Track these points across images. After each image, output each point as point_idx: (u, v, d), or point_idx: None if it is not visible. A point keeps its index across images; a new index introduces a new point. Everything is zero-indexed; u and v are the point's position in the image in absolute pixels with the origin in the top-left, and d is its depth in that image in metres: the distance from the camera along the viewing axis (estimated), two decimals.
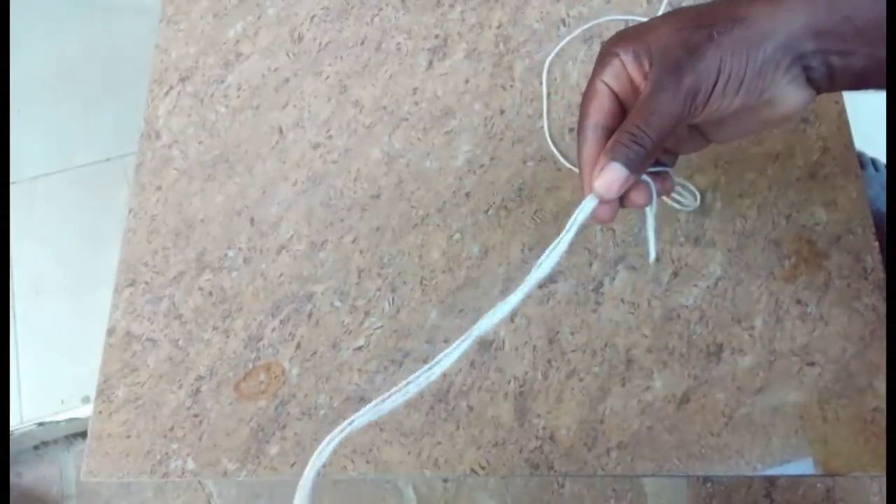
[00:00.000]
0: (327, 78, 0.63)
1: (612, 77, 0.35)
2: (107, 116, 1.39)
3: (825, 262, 0.53)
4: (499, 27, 0.63)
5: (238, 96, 0.63)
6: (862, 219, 0.54)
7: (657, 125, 0.32)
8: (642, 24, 0.35)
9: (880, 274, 0.52)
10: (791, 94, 0.33)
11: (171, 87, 0.64)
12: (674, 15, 0.35)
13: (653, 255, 0.46)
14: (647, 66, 0.33)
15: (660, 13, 0.61)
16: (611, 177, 0.33)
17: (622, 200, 0.35)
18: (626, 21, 0.62)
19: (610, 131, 0.34)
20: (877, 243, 0.53)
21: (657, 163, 0.37)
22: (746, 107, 0.33)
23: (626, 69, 0.34)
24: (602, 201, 0.34)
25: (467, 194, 0.58)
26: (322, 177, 0.60)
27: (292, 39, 0.65)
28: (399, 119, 0.61)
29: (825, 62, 0.33)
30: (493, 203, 0.57)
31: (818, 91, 0.34)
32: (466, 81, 0.62)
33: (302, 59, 0.64)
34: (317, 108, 0.62)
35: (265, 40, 0.65)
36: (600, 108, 0.35)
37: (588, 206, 0.35)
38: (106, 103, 1.40)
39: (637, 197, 0.35)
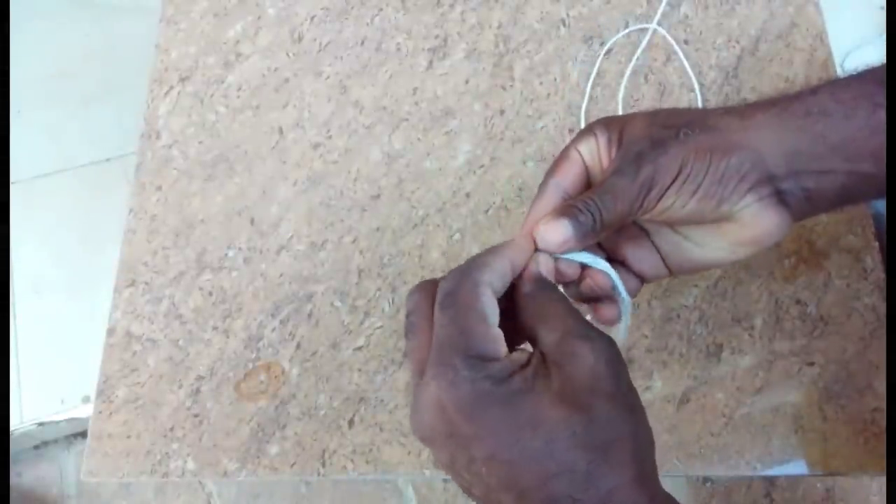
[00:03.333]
0: (327, 78, 0.63)
1: (585, 149, 0.35)
2: (107, 116, 1.39)
3: (825, 262, 0.53)
4: (499, 27, 0.63)
5: (238, 96, 0.63)
6: (862, 219, 0.54)
7: (609, 205, 0.32)
8: (623, 115, 0.36)
9: (880, 274, 0.52)
10: (760, 215, 0.32)
11: (171, 87, 0.64)
12: (650, 113, 0.36)
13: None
14: (614, 151, 0.34)
15: (659, 13, 0.61)
16: (556, 228, 0.32)
17: (581, 288, 0.35)
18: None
19: (568, 195, 0.35)
20: (877, 243, 0.53)
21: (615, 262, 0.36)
22: (702, 214, 0.33)
23: (598, 147, 0.35)
24: (537, 248, 0.33)
25: (467, 194, 0.58)
26: (322, 177, 0.60)
27: (292, 39, 0.65)
28: (399, 119, 0.61)
29: (800, 185, 0.32)
30: (493, 203, 0.57)
31: (796, 216, 0.33)
32: (466, 81, 0.62)
33: (302, 59, 0.64)
34: (317, 108, 0.62)
35: (265, 40, 0.65)
36: (567, 171, 0.35)
37: (520, 248, 0.33)
38: (106, 103, 1.40)
39: (592, 283, 0.35)
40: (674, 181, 0.32)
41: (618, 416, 0.27)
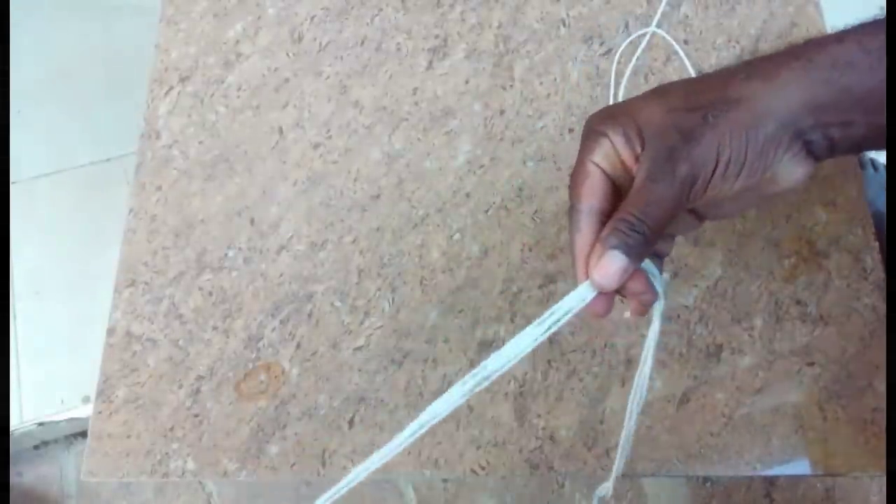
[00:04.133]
0: (327, 78, 0.63)
1: (602, 158, 0.33)
2: (107, 116, 1.38)
3: (825, 262, 0.53)
4: (499, 27, 0.63)
5: (238, 96, 0.63)
6: (862, 219, 0.54)
7: (655, 214, 0.31)
8: (628, 102, 0.34)
9: (880, 274, 0.52)
10: (792, 169, 0.32)
11: (171, 87, 0.64)
12: (662, 92, 0.33)
13: (647, 374, 0.37)
14: (638, 149, 0.32)
15: (658, 14, 0.61)
16: (610, 265, 0.31)
17: (620, 290, 0.33)
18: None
19: (604, 215, 0.32)
20: (877, 243, 0.53)
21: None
22: (748, 188, 0.32)
23: (616, 150, 0.33)
24: (600, 292, 0.32)
25: (467, 194, 0.58)
26: (322, 177, 0.60)
27: (292, 39, 0.65)
28: (399, 119, 0.61)
29: (825, 135, 0.32)
30: (493, 203, 0.57)
31: (817, 160, 0.33)
32: (466, 81, 0.62)
33: (302, 59, 0.64)
34: (317, 108, 0.62)
35: (265, 40, 0.65)
36: (593, 191, 0.33)
37: (584, 294, 0.32)
38: (106, 103, 1.40)
39: (636, 285, 0.33)
40: (715, 169, 0.31)
41: None
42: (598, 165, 0.33)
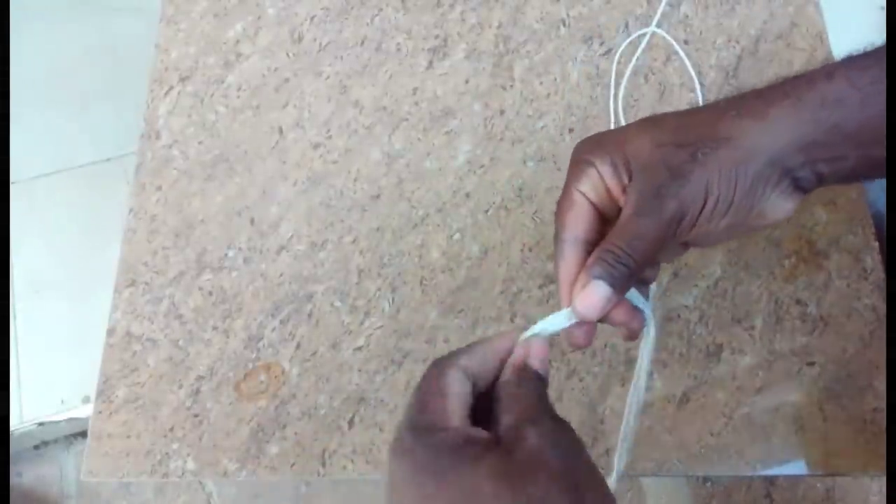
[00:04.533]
0: (327, 78, 0.63)
1: (589, 187, 0.33)
2: (107, 116, 1.38)
3: (825, 262, 0.53)
4: (499, 27, 0.63)
5: (238, 96, 0.63)
6: (862, 219, 0.54)
7: (641, 248, 0.31)
8: (617, 132, 0.33)
9: (880, 274, 0.52)
10: (780, 204, 0.32)
11: (171, 87, 0.64)
12: (652, 124, 0.32)
13: (636, 403, 0.36)
14: (625, 180, 0.32)
15: (658, 14, 0.61)
16: (594, 295, 0.31)
17: (604, 319, 0.33)
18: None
19: (590, 245, 0.32)
20: (877, 243, 0.53)
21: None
22: (735, 225, 0.32)
23: (603, 180, 0.32)
24: (582, 321, 0.32)
25: (467, 194, 0.58)
26: (322, 177, 0.60)
27: (292, 39, 0.65)
28: (399, 119, 0.61)
29: (813, 170, 0.32)
30: (493, 203, 0.57)
31: (805, 193, 0.33)
32: (466, 81, 0.62)
33: (302, 59, 0.64)
34: (317, 108, 0.62)
35: (265, 40, 0.65)
36: (578, 220, 0.33)
37: (560, 322, 0.32)
38: (106, 103, 1.40)
39: (620, 315, 0.33)
40: (703, 208, 0.31)
41: (555, 495, 0.26)
42: (584, 195, 0.33)
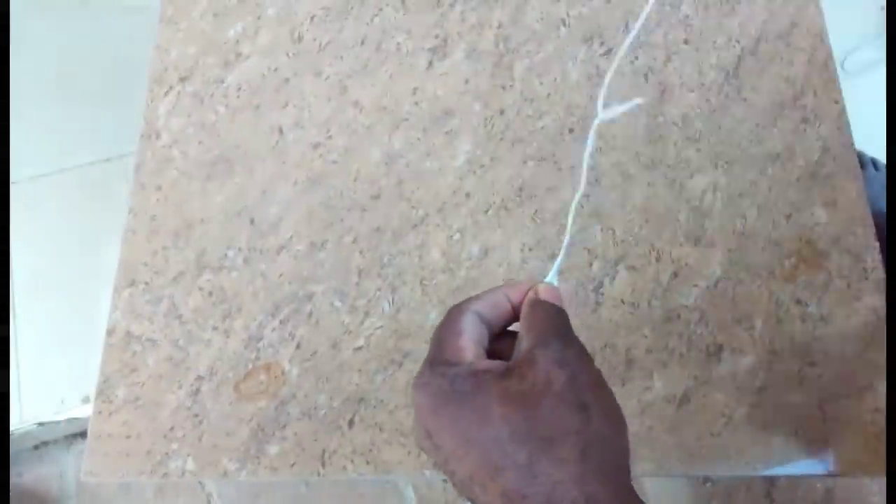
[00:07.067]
0: (327, 78, 0.63)
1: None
2: (107, 116, 1.38)
3: (825, 262, 0.53)
4: (499, 27, 0.63)
5: (238, 96, 0.63)
6: (862, 219, 0.54)
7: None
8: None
9: (880, 274, 0.52)
10: None
11: (171, 87, 0.64)
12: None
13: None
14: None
15: (659, 14, 0.61)
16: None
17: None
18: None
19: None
20: (877, 243, 0.53)
21: None
22: None
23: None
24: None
25: (467, 194, 0.58)
26: (322, 177, 0.59)
27: (292, 39, 0.65)
28: (399, 119, 0.61)
29: None
30: (493, 203, 0.57)
31: None
32: (466, 81, 0.61)
33: (302, 59, 0.64)
34: (317, 108, 0.62)
35: (265, 40, 0.65)
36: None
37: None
38: (106, 103, 1.39)
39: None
40: None
41: (562, 413, 0.28)
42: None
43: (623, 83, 0.60)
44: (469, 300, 0.33)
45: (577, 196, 0.37)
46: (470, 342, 0.32)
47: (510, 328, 0.34)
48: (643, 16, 0.52)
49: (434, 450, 0.30)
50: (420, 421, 0.30)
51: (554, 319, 0.32)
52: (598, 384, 0.30)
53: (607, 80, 0.41)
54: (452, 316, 0.33)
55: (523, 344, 0.31)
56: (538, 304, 0.33)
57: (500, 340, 0.34)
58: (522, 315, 0.33)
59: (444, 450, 0.29)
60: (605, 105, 0.35)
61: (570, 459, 0.27)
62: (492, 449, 0.28)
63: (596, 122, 0.36)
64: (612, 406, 0.30)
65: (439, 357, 0.31)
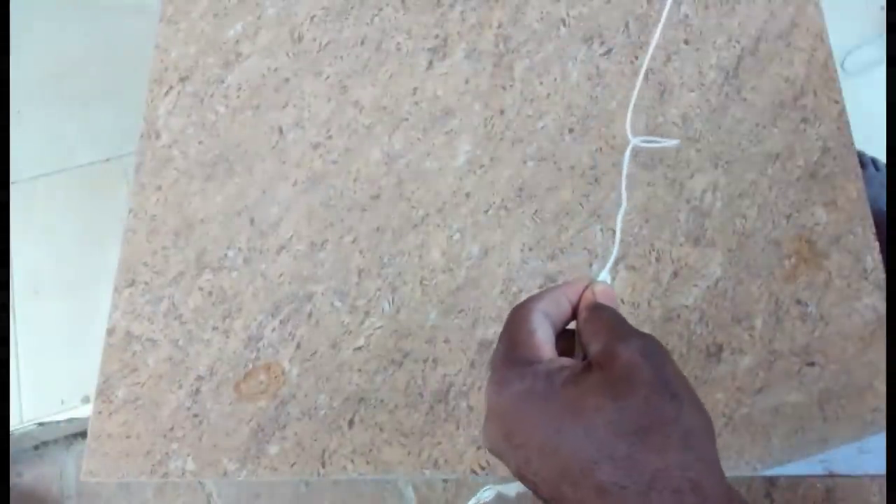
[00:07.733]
0: (327, 78, 0.63)
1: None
2: (107, 116, 1.39)
3: (825, 262, 0.53)
4: (499, 27, 0.63)
5: (238, 96, 0.63)
6: (862, 219, 0.54)
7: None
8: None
9: (880, 274, 0.52)
10: None
11: (171, 87, 0.64)
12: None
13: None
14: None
15: (659, 13, 0.61)
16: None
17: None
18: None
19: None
20: (877, 243, 0.53)
21: None
22: None
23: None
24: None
25: (467, 194, 0.58)
26: (322, 177, 0.59)
27: (292, 39, 0.65)
28: (399, 119, 0.61)
29: None
30: (493, 203, 0.57)
31: None
32: (466, 81, 0.61)
33: (302, 59, 0.64)
34: (317, 108, 0.62)
35: (265, 40, 0.65)
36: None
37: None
38: (106, 103, 1.40)
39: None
40: None
41: (656, 403, 0.27)
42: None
43: (623, 83, 0.60)
44: (531, 299, 0.33)
45: (621, 212, 0.36)
46: (544, 340, 0.32)
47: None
48: (664, 17, 0.51)
49: (514, 451, 0.29)
50: (499, 422, 0.30)
51: (619, 317, 0.32)
52: (682, 374, 0.30)
53: (634, 96, 0.41)
54: (521, 315, 0.32)
55: (593, 346, 0.31)
56: (600, 304, 0.33)
57: (560, 339, 0.34)
58: (584, 315, 0.33)
59: (529, 449, 0.29)
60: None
61: (671, 447, 0.27)
62: (585, 442, 0.27)
63: (630, 146, 0.36)
64: (696, 396, 0.30)
65: (515, 357, 0.31)
